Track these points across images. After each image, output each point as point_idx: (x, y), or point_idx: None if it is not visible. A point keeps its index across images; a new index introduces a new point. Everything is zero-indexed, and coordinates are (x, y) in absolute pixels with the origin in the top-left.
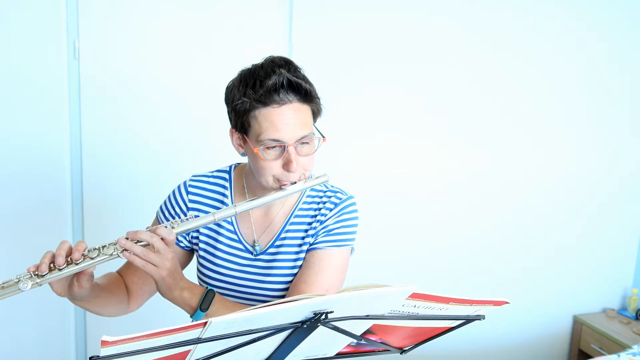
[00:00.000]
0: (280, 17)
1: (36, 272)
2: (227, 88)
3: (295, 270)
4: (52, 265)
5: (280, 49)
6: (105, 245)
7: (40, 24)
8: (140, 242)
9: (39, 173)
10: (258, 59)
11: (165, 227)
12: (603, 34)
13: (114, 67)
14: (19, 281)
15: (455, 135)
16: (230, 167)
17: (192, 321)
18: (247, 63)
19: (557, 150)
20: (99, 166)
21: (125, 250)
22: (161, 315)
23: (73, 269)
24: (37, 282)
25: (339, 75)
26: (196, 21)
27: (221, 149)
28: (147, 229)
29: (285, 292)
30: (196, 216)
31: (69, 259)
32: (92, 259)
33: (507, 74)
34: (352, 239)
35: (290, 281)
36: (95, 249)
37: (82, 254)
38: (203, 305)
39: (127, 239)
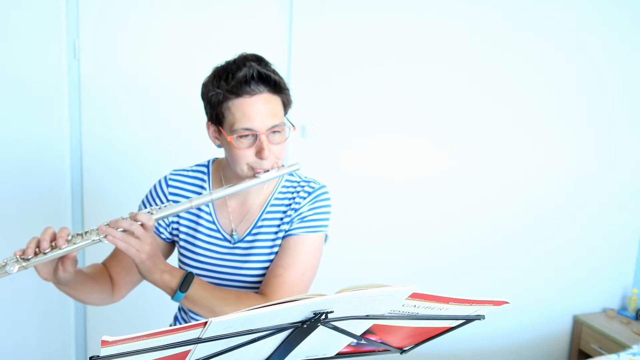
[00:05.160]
0: (280, 17)
1: (22, 256)
2: (203, 84)
3: (271, 257)
4: (37, 249)
5: (280, 49)
6: (87, 232)
7: (40, 24)
8: (121, 228)
9: (39, 173)
10: None
11: (145, 213)
12: (603, 34)
13: (114, 67)
14: (5, 264)
15: (455, 136)
16: (209, 161)
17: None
18: None
19: (557, 150)
20: (99, 166)
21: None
22: (161, 315)
23: (57, 252)
24: (23, 265)
25: (338, 75)
26: (196, 21)
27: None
28: (129, 214)
29: (263, 277)
30: (175, 201)
31: (53, 244)
32: (75, 244)
33: (507, 74)
34: (326, 225)
35: (267, 267)
36: (78, 234)
37: (66, 239)
38: (183, 287)
39: (107, 225)
